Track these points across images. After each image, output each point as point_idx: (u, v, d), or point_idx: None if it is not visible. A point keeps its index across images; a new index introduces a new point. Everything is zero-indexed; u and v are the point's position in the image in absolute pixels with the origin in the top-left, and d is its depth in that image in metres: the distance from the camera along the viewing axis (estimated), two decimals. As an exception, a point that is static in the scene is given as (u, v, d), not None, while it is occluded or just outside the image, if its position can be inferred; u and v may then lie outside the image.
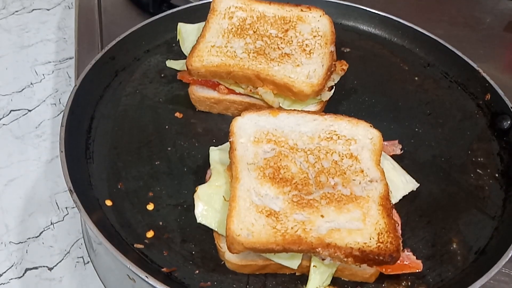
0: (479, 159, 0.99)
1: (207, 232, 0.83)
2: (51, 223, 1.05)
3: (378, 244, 0.75)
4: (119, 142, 0.98)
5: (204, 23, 1.10)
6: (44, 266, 0.98)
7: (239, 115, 0.91)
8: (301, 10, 1.13)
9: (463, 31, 1.47)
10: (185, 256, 0.82)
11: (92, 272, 0.95)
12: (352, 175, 0.83)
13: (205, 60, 1.01)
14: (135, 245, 0.82)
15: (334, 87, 1.04)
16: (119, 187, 0.90)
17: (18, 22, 1.56)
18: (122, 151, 0.96)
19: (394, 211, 0.83)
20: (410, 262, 0.80)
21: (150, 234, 0.84)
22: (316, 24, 1.10)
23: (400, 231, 0.81)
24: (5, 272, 0.97)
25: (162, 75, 1.11)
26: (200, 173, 0.92)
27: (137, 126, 1.01)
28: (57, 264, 0.99)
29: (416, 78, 1.15)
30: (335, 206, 0.79)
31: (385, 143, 0.94)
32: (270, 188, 0.81)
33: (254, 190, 0.80)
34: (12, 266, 0.98)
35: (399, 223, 0.83)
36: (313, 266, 0.78)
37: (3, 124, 1.25)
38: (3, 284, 0.96)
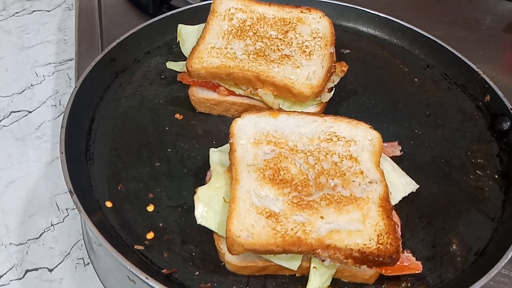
0: (478, 161, 1.00)
1: (207, 233, 0.83)
2: (51, 225, 1.05)
3: (378, 245, 0.75)
4: (119, 144, 0.98)
5: (204, 24, 1.11)
6: (44, 268, 0.98)
7: (239, 116, 0.92)
8: (301, 12, 1.13)
9: (462, 32, 1.47)
10: (185, 257, 0.82)
11: (92, 273, 0.96)
12: (351, 177, 0.84)
13: (205, 61, 1.01)
14: (135, 247, 0.83)
15: (334, 88, 1.04)
16: (119, 188, 0.91)
17: (18, 24, 1.56)
18: (122, 153, 0.96)
19: (394, 212, 0.83)
20: (410, 263, 0.80)
21: (150, 235, 0.84)
22: (316, 26, 1.11)
23: (399, 232, 0.81)
24: (5, 273, 0.97)
25: (162, 77, 1.12)
26: (200, 175, 0.92)
27: (137, 128, 1.01)
28: (57, 265, 0.99)
29: (416, 79, 1.16)
30: (335, 207, 0.79)
31: (385, 144, 0.94)
32: (270, 190, 0.81)
33: (254, 191, 0.80)
34: (13, 267, 0.98)
35: (399, 224, 0.83)
36: (313, 267, 0.78)
37: (4, 126, 1.25)
38: (4, 285, 0.96)
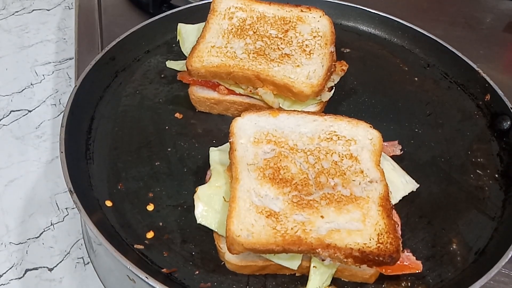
0: (479, 160, 0.99)
1: (207, 233, 0.83)
2: (51, 224, 1.05)
3: (378, 244, 0.75)
4: (119, 143, 0.98)
5: (204, 23, 1.10)
6: (44, 267, 0.98)
7: (239, 115, 0.91)
8: (301, 11, 1.13)
9: (463, 32, 1.47)
10: (185, 256, 0.82)
11: (92, 272, 0.95)
12: (352, 176, 0.83)
13: (205, 60, 1.01)
14: (135, 246, 0.83)
15: (334, 87, 1.04)
16: (119, 187, 0.90)
17: (18, 23, 1.56)
18: (122, 152, 0.96)
19: (394, 211, 0.83)
20: (410, 262, 0.80)
21: (150, 234, 0.84)
22: (316, 25, 1.10)
23: (400, 232, 0.81)
24: (5, 272, 0.97)
25: (162, 76, 1.11)
26: (200, 174, 0.92)
27: (137, 127, 1.01)
28: (57, 264, 0.99)
29: (416, 79, 1.15)
30: (335, 206, 0.79)
31: (385, 143, 0.94)
32: (270, 189, 0.81)
33: (254, 190, 0.80)
34: (12, 266, 0.98)
35: (399, 223, 0.83)
36: (313, 266, 0.78)
37: (3, 125, 1.25)
38: (4, 284, 0.96)
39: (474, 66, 1.13)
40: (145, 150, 0.97)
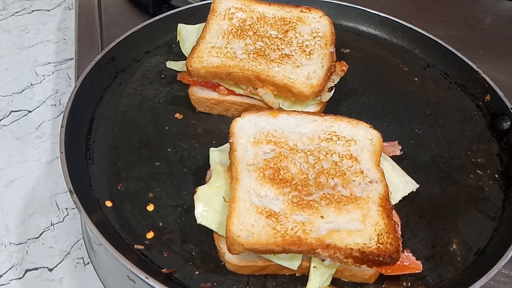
0: (478, 160, 0.99)
1: (207, 233, 0.83)
2: (51, 224, 1.05)
3: (378, 245, 0.75)
4: (119, 143, 0.98)
5: (204, 24, 1.10)
6: (44, 267, 0.98)
7: (239, 116, 0.91)
8: (301, 11, 1.13)
9: (463, 32, 1.47)
10: (185, 257, 0.82)
11: (92, 273, 0.95)
12: (352, 176, 0.83)
13: (205, 61, 1.01)
14: (135, 246, 0.83)
15: (334, 88, 1.04)
16: (119, 188, 0.91)
17: (18, 23, 1.56)
18: (122, 152, 0.96)
19: (394, 212, 0.83)
20: (410, 262, 0.80)
21: (150, 235, 0.84)
22: (316, 25, 1.11)
23: (400, 232, 0.81)
24: (5, 273, 0.97)
25: (162, 76, 1.12)
26: (200, 174, 0.92)
27: (137, 127, 1.01)
28: (57, 265, 0.99)
29: (416, 79, 1.15)
30: (335, 207, 0.79)
31: (385, 144, 0.94)
32: (270, 189, 0.81)
33: (254, 191, 0.80)
34: (13, 267, 0.98)
35: (399, 223, 0.83)
36: (313, 267, 0.78)
37: (3, 125, 1.25)
38: (4, 285, 0.96)
39: (474, 66, 1.13)
40: (145, 150, 0.97)
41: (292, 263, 0.78)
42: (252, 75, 0.99)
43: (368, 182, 0.83)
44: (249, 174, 0.82)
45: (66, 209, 1.08)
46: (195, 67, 1.00)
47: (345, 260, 0.74)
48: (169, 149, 0.98)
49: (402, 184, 0.89)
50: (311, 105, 1.03)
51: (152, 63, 1.14)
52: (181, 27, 1.14)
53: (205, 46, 1.04)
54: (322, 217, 0.78)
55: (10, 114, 1.28)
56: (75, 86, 1.00)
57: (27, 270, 0.98)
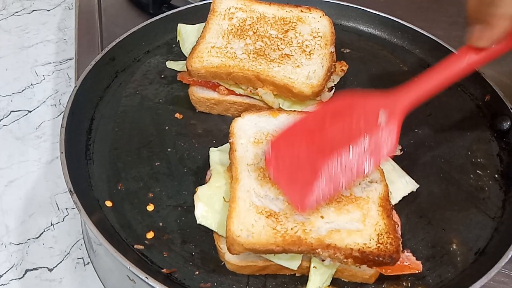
0: (478, 160, 1.00)
1: (207, 233, 0.83)
2: (51, 224, 1.05)
3: (378, 245, 0.75)
4: (119, 143, 0.98)
5: (204, 24, 1.11)
6: (44, 267, 0.98)
7: (239, 116, 0.92)
8: (301, 11, 1.13)
9: (463, 32, 1.46)
10: (185, 257, 0.82)
11: (92, 273, 0.96)
12: (352, 176, 0.83)
13: (205, 61, 1.01)
14: (135, 246, 0.83)
15: (334, 88, 1.04)
16: (119, 188, 0.91)
17: (18, 23, 1.56)
18: (122, 152, 0.96)
19: (394, 212, 0.83)
20: (410, 263, 0.80)
21: (150, 235, 0.84)
22: (316, 25, 1.11)
23: (399, 232, 0.81)
24: (5, 273, 0.97)
25: (162, 76, 1.12)
26: (200, 174, 0.92)
27: (137, 127, 1.01)
28: (57, 265, 0.99)
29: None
30: (335, 207, 0.79)
31: (385, 144, 0.94)
32: (270, 189, 0.81)
33: (254, 191, 0.80)
34: (12, 267, 0.98)
35: (399, 224, 0.83)
36: (313, 267, 0.78)
37: (3, 125, 1.25)
38: (4, 285, 0.96)
39: (474, 66, 1.13)
40: (145, 150, 0.97)
41: (292, 263, 0.78)
42: (252, 75, 0.99)
43: (368, 182, 0.83)
44: (249, 174, 0.82)
45: (66, 209, 1.07)
46: (195, 67, 1.00)
47: (345, 260, 0.74)
48: (169, 149, 0.98)
49: (402, 184, 0.89)
50: (311, 105, 1.03)
51: (152, 63, 1.14)
52: (181, 27, 1.14)
53: (205, 46, 1.04)
54: (322, 217, 0.78)
55: (10, 114, 1.27)
56: (75, 86, 1.00)
57: (27, 270, 0.98)
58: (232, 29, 1.08)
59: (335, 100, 0.81)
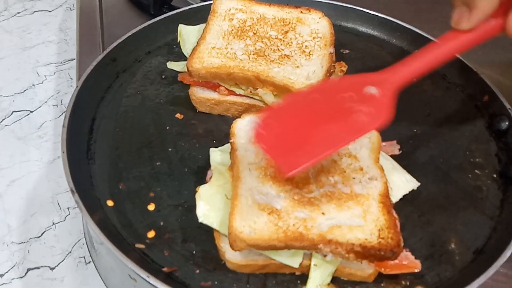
0: (477, 160, 1.00)
1: (208, 232, 0.84)
2: (53, 223, 1.05)
3: (379, 239, 0.76)
4: (120, 143, 0.98)
5: (204, 24, 1.11)
6: (46, 266, 0.99)
7: (240, 116, 0.92)
8: (301, 12, 1.14)
9: (462, 33, 1.47)
10: (185, 256, 0.83)
11: (93, 272, 0.96)
12: (351, 174, 0.84)
13: (206, 61, 1.02)
14: (136, 245, 0.83)
15: (333, 88, 1.05)
16: (120, 187, 0.91)
17: (19, 24, 1.56)
18: (123, 152, 0.97)
19: (393, 211, 0.83)
20: (408, 262, 0.81)
21: (151, 234, 0.85)
22: (316, 26, 1.11)
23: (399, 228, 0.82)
24: (7, 272, 0.98)
25: (163, 77, 1.12)
26: (201, 174, 0.93)
27: (138, 127, 1.02)
28: (59, 264, 0.99)
29: (414, 80, 1.16)
30: (336, 203, 0.80)
31: (384, 143, 0.95)
32: (271, 187, 0.81)
33: (256, 189, 0.81)
34: (14, 266, 0.99)
35: (399, 220, 0.84)
36: (314, 265, 0.78)
37: (5, 125, 1.25)
38: (5, 284, 0.96)
39: (473, 67, 1.13)
40: (146, 150, 0.98)
41: (294, 261, 0.78)
42: (252, 76, 1.00)
43: (368, 179, 0.84)
44: (251, 172, 0.83)
45: (68, 208, 1.08)
46: (196, 68, 1.01)
47: (346, 255, 0.75)
48: (170, 149, 0.98)
49: (403, 183, 0.89)
50: (311, 105, 1.03)
51: (153, 64, 1.15)
52: (182, 28, 1.14)
53: (206, 47, 1.05)
54: (323, 213, 0.78)
55: (12, 114, 1.28)
56: (77, 87, 1.01)
57: (28, 269, 0.98)
58: (232, 30, 1.09)
59: (326, 81, 0.81)
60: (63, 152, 0.89)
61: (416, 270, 0.81)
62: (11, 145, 1.21)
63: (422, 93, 1.13)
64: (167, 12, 1.21)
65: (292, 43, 1.07)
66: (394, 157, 0.95)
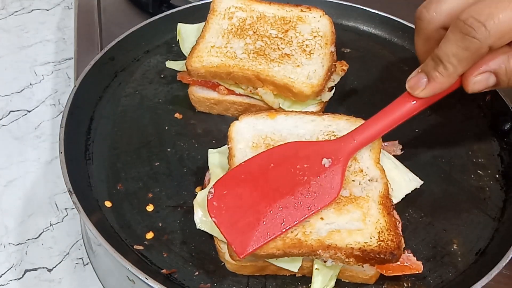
0: (479, 160, 0.99)
1: (207, 233, 0.83)
2: (51, 224, 1.05)
3: (379, 242, 0.75)
4: (118, 143, 0.98)
5: (204, 23, 1.10)
6: (43, 268, 0.98)
7: (239, 116, 0.91)
8: (301, 11, 1.13)
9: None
10: (184, 257, 0.82)
11: (91, 273, 0.95)
12: (351, 176, 0.83)
13: (205, 60, 1.01)
14: (134, 246, 0.82)
15: (334, 87, 1.04)
16: (118, 188, 0.90)
17: (17, 23, 1.55)
18: (121, 152, 0.96)
19: (394, 212, 0.82)
20: (410, 263, 0.80)
21: (149, 235, 0.84)
22: (316, 25, 1.10)
23: (400, 229, 0.81)
24: (4, 273, 0.97)
25: (162, 76, 1.11)
26: (200, 174, 0.92)
27: (137, 127, 1.01)
28: (57, 265, 0.98)
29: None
30: (335, 207, 0.79)
31: (386, 143, 0.94)
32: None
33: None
34: (12, 267, 0.98)
35: (400, 221, 0.83)
36: (316, 268, 0.77)
37: (2, 125, 1.25)
38: (3, 285, 0.96)
39: (475, 66, 1.12)
40: (145, 150, 0.97)
41: (292, 265, 0.78)
42: (252, 75, 0.99)
43: (368, 180, 0.83)
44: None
45: (66, 209, 1.07)
46: (195, 67, 1.00)
47: (346, 260, 0.74)
48: (168, 149, 0.97)
49: (405, 182, 0.88)
50: (311, 105, 1.03)
51: (151, 63, 1.14)
52: (181, 26, 1.13)
53: (205, 46, 1.04)
54: (322, 218, 0.77)
55: (9, 114, 1.27)
56: (75, 86, 1.00)
57: (26, 271, 0.98)
58: (232, 28, 1.08)
59: (280, 145, 0.81)
60: (61, 153, 0.88)
61: (418, 272, 0.80)
62: (8, 145, 1.20)
63: (424, 93, 1.12)
64: (166, 11, 1.21)
65: (292, 42, 1.06)
66: (396, 157, 0.94)
